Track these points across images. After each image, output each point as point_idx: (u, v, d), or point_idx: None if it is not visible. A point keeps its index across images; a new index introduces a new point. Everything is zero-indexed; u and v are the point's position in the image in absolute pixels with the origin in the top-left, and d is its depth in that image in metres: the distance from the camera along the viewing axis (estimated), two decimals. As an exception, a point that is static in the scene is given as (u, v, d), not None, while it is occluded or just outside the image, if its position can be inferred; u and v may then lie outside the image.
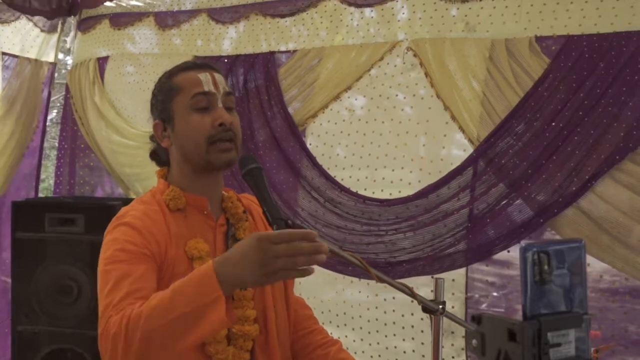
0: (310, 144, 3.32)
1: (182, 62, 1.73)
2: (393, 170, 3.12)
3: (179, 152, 1.66)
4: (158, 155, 1.76)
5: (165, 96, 1.67)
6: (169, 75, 1.69)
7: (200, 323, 1.31)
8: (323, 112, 3.29)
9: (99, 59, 4.07)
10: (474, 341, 1.05)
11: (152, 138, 1.74)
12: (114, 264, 1.51)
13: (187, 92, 1.63)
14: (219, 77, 1.66)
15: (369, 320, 3.16)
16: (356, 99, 3.25)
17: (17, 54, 4.01)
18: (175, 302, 1.32)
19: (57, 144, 4.44)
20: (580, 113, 2.63)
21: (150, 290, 1.45)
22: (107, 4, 4.03)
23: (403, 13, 3.15)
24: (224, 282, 1.30)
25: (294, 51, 3.40)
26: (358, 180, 3.19)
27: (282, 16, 3.45)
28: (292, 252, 1.27)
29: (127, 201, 2.16)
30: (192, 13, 3.78)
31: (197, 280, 1.33)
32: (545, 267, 1.00)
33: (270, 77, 3.40)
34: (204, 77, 1.64)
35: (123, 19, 4.01)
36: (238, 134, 1.65)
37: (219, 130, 1.60)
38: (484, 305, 3.00)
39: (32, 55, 4.07)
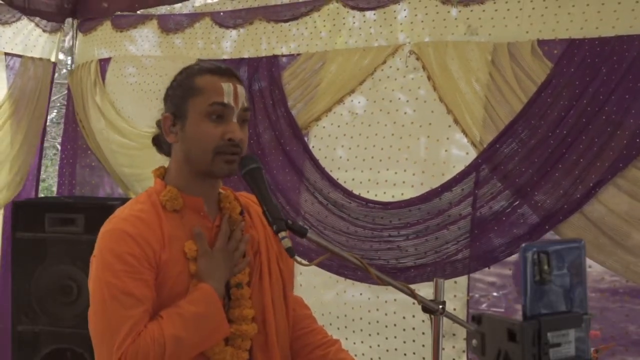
0: (313, 146, 3.32)
1: (208, 60, 1.72)
2: (396, 172, 3.11)
3: (183, 152, 1.64)
4: (160, 143, 1.73)
5: (184, 93, 1.63)
6: (193, 73, 1.65)
7: (214, 337, 1.57)
8: (326, 116, 3.29)
9: (100, 60, 4.07)
10: (474, 341, 1.05)
11: (158, 124, 1.71)
12: (116, 279, 1.50)
13: (207, 97, 1.60)
14: (240, 90, 1.64)
15: (369, 322, 3.14)
16: (359, 102, 3.25)
17: (20, 53, 4.00)
18: (199, 327, 1.54)
19: (57, 144, 4.44)
20: (584, 120, 2.62)
21: (153, 307, 1.53)
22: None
23: (405, 16, 3.15)
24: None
25: (298, 55, 3.40)
26: (361, 182, 3.18)
27: (286, 21, 3.45)
28: (236, 245, 1.64)
29: (126, 201, 2.16)
30: (195, 17, 3.77)
31: (208, 308, 1.55)
32: (545, 267, 1.01)
33: (274, 80, 3.40)
34: (227, 87, 1.61)
35: (125, 21, 4.01)
36: (244, 149, 1.63)
37: (227, 143, 1.58)
38: (484, 305, 3.00)
39: (35, 55, 4.07)
